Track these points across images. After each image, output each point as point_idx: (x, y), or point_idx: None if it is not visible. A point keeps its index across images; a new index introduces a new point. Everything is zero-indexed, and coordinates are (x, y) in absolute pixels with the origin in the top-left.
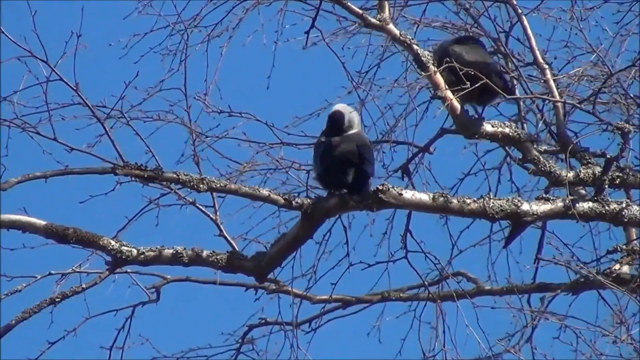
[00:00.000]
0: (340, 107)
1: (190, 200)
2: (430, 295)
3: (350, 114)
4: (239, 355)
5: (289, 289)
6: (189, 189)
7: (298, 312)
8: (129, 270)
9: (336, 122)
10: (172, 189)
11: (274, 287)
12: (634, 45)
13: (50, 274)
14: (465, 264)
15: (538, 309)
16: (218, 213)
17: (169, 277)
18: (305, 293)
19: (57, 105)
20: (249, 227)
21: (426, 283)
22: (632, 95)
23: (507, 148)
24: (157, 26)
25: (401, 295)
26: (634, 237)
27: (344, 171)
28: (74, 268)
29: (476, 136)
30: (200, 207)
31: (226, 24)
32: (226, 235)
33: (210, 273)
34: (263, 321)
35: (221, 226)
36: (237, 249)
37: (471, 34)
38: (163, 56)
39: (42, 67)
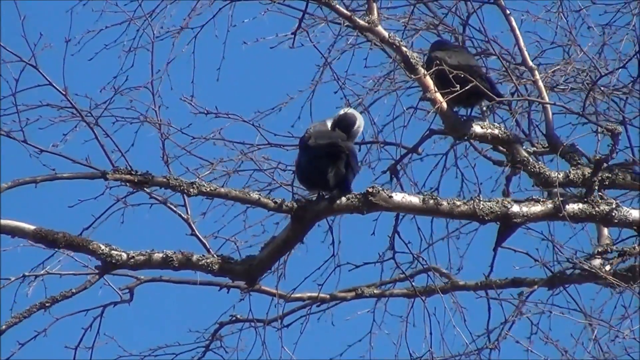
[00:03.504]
0: (353, 112)
1: (161, 200)
2: (415, 291)
3: (359, 127)
4: (207, 352)
5: (262, 287)
6: (179, 193)
7: (270, 310)
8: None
9: (347, 124)
10: (141, 188)
11: (247, 285)
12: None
13: (24, 275)
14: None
15: (516, 305)
16: (189, 212)
17: (142, 277)
18: (285, 293)
19: (26, 107)
20: (221, 225)
21: (411, 281)
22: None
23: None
24: (110, 22)
25: (375, 291)
26: (606, 236)
27: (324, 170)
28: (46, 270)
29: (465, 137)
30: (172, 206)
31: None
32: (198, 234)
33: (184, 272)
34: (234, 318)
35: (193, 225)
36: (209, 248)
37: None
38: (125, 53)
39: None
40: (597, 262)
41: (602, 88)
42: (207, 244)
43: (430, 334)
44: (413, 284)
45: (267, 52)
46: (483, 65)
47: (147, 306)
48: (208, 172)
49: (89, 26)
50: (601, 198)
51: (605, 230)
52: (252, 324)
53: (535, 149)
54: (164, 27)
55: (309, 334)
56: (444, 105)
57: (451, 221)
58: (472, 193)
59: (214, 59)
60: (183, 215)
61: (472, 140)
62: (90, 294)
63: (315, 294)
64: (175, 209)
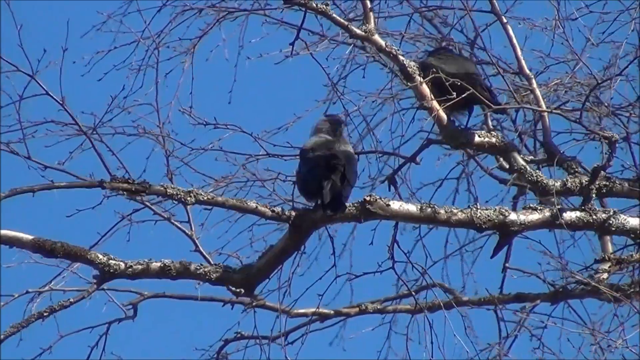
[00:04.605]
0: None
1: (165, 216)
2: (418, 306)
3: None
4: None
5: (266, 302)
6: (176, 202)
7: (274, 326)
8: (105, 288)
9: (338, 122)
10: (146, 205)
11: (251, 302)
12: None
13: (27, 292)
14: (438, 274)
15: (518, 320)
16: (193, 228)
17: (146, 293)
18: (287, 308)
19: (30, 123)
20: (225, 241)
21: (414, 295)
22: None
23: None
24: (118, 43)
25: (379, 307)
26: (610, 246)
27: (321, 185)
28: (50, 286)
29: (463, 146)
30: (176, 223)
31: (197, 37)
32: (202, 250)
33: (187, 288)
34: (239, 335)
35: (197, 241)
36: (213, 264)
37: (450, 45)
38: (131, 72)
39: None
40: (603, 275)
41: (605, 104)
42: (210, 260)
43: (432, 342)
44: (417, 299)
45: (272, 65)
46: (483, 74)
47: (150, 322)
48: (212, 189)
49: (98, 46)
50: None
51: (610, 245)
52: (257, 341)
53: (532, 157)
54: (170, 47)
55: (314, 350)
56: (441, 113)
57: (454, 237)
58: None
59: (216, 74)
60: (187, 232)
61: (469, 150)
62: (93, 310)
63: (320, 310)
64: (179, 225)
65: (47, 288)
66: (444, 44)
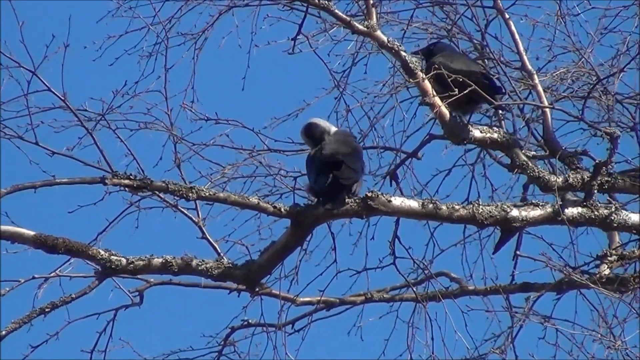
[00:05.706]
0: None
1: (173, 203)
2: (419, 297)
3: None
4: (221, 357)
5: (272, 290)
6: (177, 198)
7: (281, 314)
8: None
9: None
10: (153, 192)
11: (257, 290)
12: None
13: (33, 277)
14: (446, 264)
15: (523, 309)
16: (200, 216)
17: (152, 280)
18: (293, 296)
19: (38, 109)
20: (232, 229)
21: (413, 287)
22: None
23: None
24: (130, 28)
25: (385, 296)
26: (617, 241)
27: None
28: (57, 272)
29: (465, 142)
30: (183, 210)
31: (204, 28)
32: (209, 237)
33: (194, 276)
34: (245, 323)
35: (204, 229)
36: (220, 252)
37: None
38: (141, 58)
39: (23, 73)
40: (604, 267)
41: (613, 94)
42: (217, 247)
43: (432, 339)
44: (417, 290)
45: (277, 59)
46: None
47: (157, 309)
48: (219, 176)
49: (108, 31)
50: (609, 202)
51: (617, 236)
52: (264, 328)
53: (534, 153)
54: (179, 33)
55: (320, 338)
56: (443, 109)
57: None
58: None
59: (219, 66)
60: (194, 219)
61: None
62: (98, 297)
63: (325, 299)
64: (186, 212)
65: (53, 274)
66: (432, 41)
